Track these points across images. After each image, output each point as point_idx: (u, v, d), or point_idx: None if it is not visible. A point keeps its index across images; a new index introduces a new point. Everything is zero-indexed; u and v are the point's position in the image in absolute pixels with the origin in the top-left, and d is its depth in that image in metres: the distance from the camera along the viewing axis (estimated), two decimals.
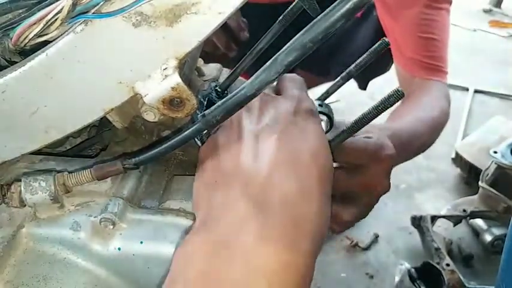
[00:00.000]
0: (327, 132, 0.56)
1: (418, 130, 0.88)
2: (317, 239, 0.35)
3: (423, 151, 0.99)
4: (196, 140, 0.47)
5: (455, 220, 1.27)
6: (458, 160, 1.56)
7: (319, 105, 0.56)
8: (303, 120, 0.42)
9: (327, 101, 0.59)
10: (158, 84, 0.39)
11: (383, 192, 0.60)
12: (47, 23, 0.37)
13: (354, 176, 0.58)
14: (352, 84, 0.68)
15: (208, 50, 1.16)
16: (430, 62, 1.03)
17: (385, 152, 0.58)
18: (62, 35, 0.38)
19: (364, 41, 1.31)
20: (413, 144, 0.87)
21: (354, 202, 0.60)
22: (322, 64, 1.40)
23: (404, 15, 1.03)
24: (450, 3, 1.05)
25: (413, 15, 1.02)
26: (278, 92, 0.49)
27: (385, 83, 1.64)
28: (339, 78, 0.58)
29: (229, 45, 1.18)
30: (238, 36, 1.19)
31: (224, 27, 1.12)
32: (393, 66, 1.16)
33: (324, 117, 0.56)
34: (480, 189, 1.28)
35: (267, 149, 0.38)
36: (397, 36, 1.05)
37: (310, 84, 1.34)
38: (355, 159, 0.57)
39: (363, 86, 1.55)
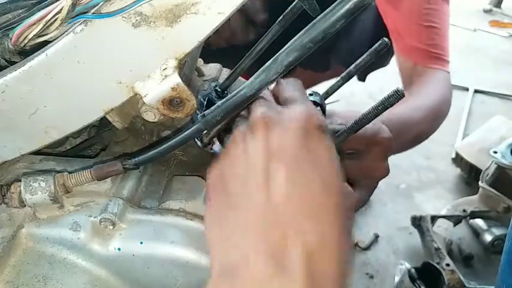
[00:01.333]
0: None
1: (413, 117, 0.88)
2: (339, 283, 0.33)
3: (423, 139, 0.99)
4: (196, 140, 0.47)
5: (455, 220, 1.27)
6: (458, 160, 1.56)
7: (310, 94, 0.56)
8: (314, 141, 0.38)
9: (327, 101, 0.59)
10: (158, 84, 0.39)
11: (382, 176, 0.62)
12: (46, 23, 0.37)
13: (353, 162, 0.60)
14: (352, 84, 0.68)
15: (224, 36, 1.13)
16: (432, 50, 1.03)
17: (381, 135, 0.61)
18: (61, 35, 0.38)
19: (363, 32, 1.30)
20: (409, 132, 0.88)
21: (354, 188, 0.61)
22: (322, 58, 1.39)
23: (405, 4, 1.03)
24: None
25: (415, 3, 1.03)
26: (275, 95, 0.44)
27: (385, 83, 1.65)
28: (339, 78, 0.59)
29: (246, 29, 1.15)
30: (254, 18, 1.14)
31: (240, 10, 1.09)
32: (393, 61, 1.15)
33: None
34: (480, 189, 1.28)
35: (278, 189, 0.34)
36: (398, 25, 1.05)
37: (310, 82, 1.34)
38: (355, 144, 0.59)
39: (362, 77, 1.55)
